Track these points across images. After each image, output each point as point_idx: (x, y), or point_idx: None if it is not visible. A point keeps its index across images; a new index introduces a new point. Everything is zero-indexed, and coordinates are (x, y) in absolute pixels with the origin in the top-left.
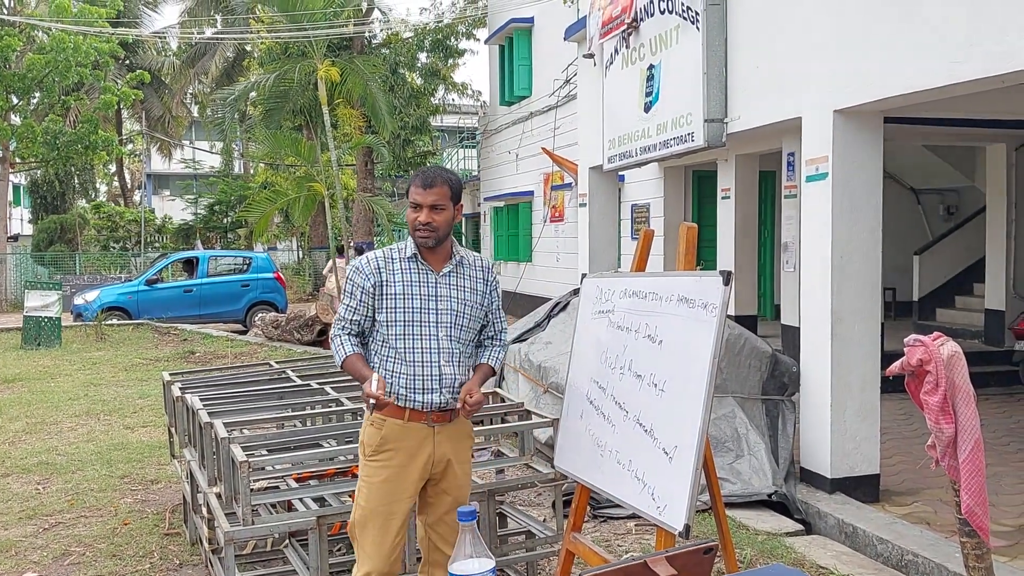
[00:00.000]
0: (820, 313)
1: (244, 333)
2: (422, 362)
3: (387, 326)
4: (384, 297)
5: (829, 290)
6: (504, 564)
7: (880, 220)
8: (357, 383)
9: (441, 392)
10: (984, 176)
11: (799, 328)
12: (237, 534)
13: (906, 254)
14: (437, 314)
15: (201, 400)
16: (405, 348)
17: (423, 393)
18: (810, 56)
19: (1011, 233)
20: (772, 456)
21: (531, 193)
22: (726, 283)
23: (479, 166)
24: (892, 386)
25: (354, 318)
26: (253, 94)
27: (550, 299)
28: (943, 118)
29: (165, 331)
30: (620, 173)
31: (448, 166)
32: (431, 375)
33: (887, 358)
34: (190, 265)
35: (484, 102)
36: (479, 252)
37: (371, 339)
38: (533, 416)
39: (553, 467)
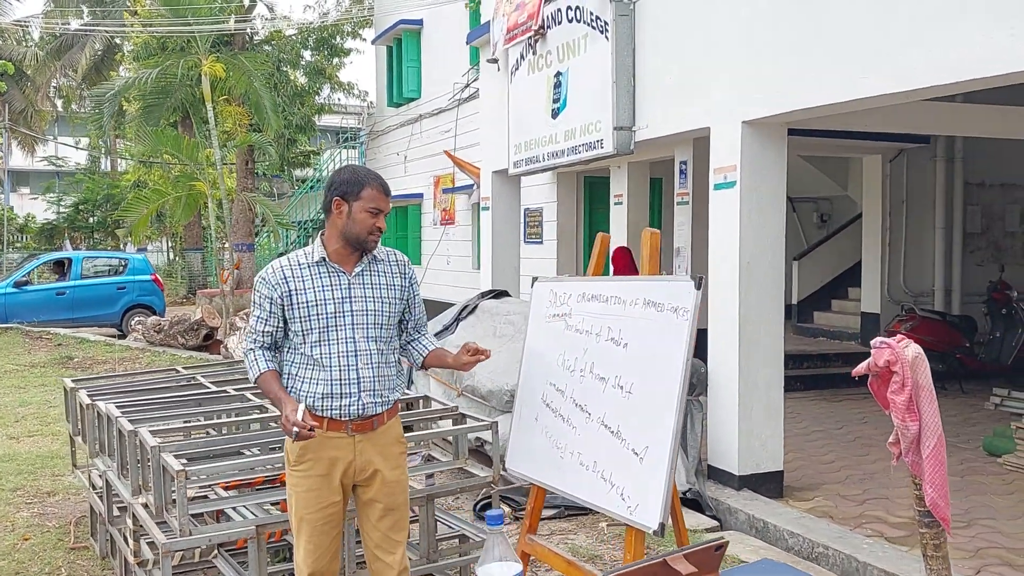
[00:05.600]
0: (728, 316)
1: (122, 337)
2: (339, 367)
3: (302, 335)
4: (295, 306)
5: (737, 294)
6: (435, 570)
7: (783, 227)
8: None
9: (360, 396)
10: (857, 185)
11: (706, 330)
12: (174, 545)
13: (785, 259)
14: (352, 316)
15: (118, 407)
16: (321, 355)
17: (340, 399)
18: (719, 68)
19: (886, 240)
20: (684, 454)
21: (420, 196)
22: (698, 287)
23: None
24: (790, 386)
25: (266, 329)
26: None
27: (441, 302)
28: (824, 130)
29: (37, 335)
30: None
31: (330, 167)
32: (348, 379)
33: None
34: (62, 266)
35: (371, 103)
36: None
37: (284, 349)
38: (468, 420)
39: (487, 469)
